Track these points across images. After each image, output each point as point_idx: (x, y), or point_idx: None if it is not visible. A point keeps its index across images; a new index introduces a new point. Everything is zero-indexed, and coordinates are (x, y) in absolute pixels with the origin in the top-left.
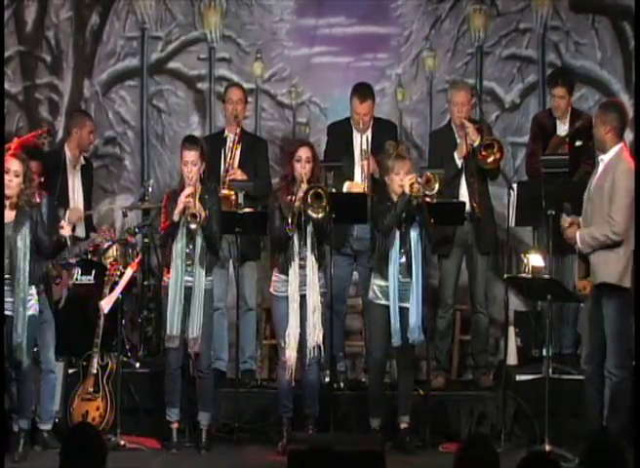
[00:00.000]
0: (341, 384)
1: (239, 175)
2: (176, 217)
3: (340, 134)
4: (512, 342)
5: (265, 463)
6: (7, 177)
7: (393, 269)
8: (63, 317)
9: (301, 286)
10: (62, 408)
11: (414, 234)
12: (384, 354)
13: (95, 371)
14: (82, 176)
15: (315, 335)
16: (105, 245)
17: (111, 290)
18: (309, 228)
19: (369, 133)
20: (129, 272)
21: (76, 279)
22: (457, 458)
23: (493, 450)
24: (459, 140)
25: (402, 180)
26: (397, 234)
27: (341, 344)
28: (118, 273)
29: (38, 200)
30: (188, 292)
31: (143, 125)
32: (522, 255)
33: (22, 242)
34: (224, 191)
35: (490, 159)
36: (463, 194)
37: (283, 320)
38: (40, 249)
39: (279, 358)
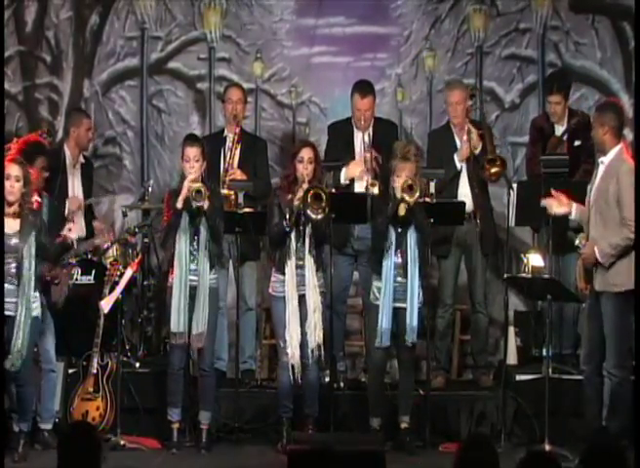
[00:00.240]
0: (341, 384)
1: (239, 174)
2: (179, 205)
3: (341, 133)
4: (512, 342)
5: (265, 463)
6: (8, 183)
7: (387, 269)
8: (63, 317)
9: (300, 286)
10: (63, 407)
11: (410, 235)
12: (384, 354)
13: (95, 371)
14: (82, 176)
15: (316, 335)
16: (105, 246)
17: (111, 290)
18: (308, 229)
19: (369, 132)
20: (129, 272)
21: (76, 279)
22: (457, 458)
23: (493, 450)
24: (458, 141)
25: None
26: (393, 235)
27: (342, 344)
28: (118, 273)
29: (36, 205)
30: (193, 292)
31: (143, 125)
32: (522, 255)
33: (28, 251)
34: (224, 191)
35: (492, 170)
36: (462, 194)
37: (282, 320)
38: (43, 253)
39: (279, 358)
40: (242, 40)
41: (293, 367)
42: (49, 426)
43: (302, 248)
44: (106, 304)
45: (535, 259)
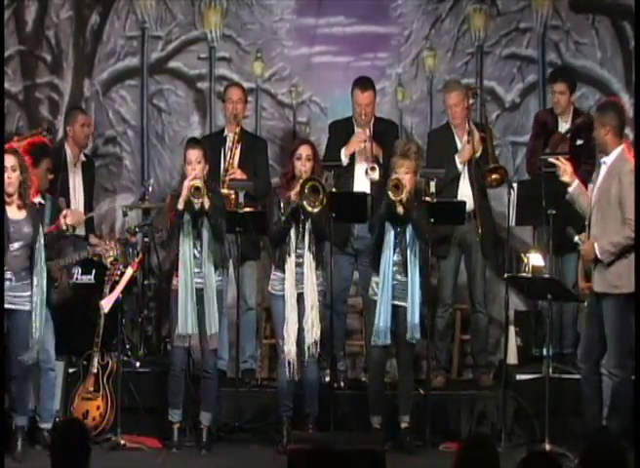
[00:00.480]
0: (342, 384)
1: (239, 174)
2: (180, 206)
3: (342, 132)
4: (512, 342)
5: (266, 462)
6: (5, 175)
7: (384, 266)
8: (64, 316)
9: (299, 284)
10: (63, 407)
11: (409, 234)
12: (383, 353)
13: (95, 371)
14: (83, 174)
15: (313, 333)
16: (107, 255)
17: (111, 289)
18: (308, 225)
19: (370, 127)
20: (129, 272)
21: (76, 279)
22: (457, 458)
23: (493, 450)
24: (458, 141)
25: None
26: (392, 233)
27: (342, 344)
28: (118, 273)
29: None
30: (199, 294)
31: (144, 124)
32: (522, 255)
33: (39, 242)
34: (224, 191)
35: (493, 177)
36: (462, 194)
37: (281, 318)
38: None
39: (279, 357)
40: (242, 40)
41: (290, 363)
42: (49, 426)
43: (302, 245)
44: (107, 304)
45: (535, 259)
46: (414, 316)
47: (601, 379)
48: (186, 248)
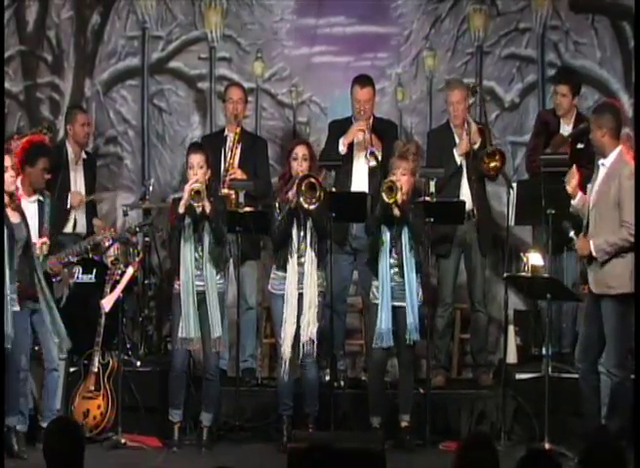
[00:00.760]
0: (342, 383)
1: (239, 174)
2: (181, 209)
3: (341, 131)
4: (512, 341)
5: (266, 461)
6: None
7: (382, 269)
8: (65, 316)
9: (300, 284)
10: (64, 406)
11: (405, 235)
12: (384, 353)
13: (96, 370)
14: (84, 172)
15: (309, 331)
16: (106, 243)
17: (112, 288)
18: (309, 224)
19: (369, 124)
20: (130, 271)
21: (77, 278)
22: (457, 457)
23: (493, 449)
24: (457, 141)
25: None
26: (388, 235)
27: (342, 343)
28: (119, 272)
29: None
30: (201, 298)
31: (144, 124)
32: (522, 254)
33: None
34: (225, 190)
35: (491, 165)
36: (463, 194)
37: (280, 318)
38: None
39: (279, 356)
40: (243, 40)
41: (285, 363)
42: None
43: (304, 244)
44: (107, 303)
45: (534, 258)
46: (412, 317)
47: (599, 378)
48: (187, 251)
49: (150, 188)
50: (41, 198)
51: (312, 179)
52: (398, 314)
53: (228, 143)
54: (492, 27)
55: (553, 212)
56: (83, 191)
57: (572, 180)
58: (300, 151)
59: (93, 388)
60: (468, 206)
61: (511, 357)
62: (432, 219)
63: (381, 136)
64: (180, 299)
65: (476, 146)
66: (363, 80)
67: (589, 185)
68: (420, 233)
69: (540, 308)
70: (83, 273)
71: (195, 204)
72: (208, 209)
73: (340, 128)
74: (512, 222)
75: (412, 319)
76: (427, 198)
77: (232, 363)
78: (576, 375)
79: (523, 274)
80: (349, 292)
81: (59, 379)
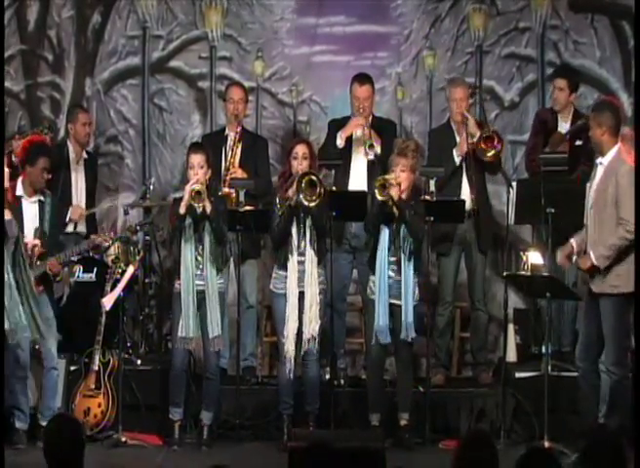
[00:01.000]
0: (342, 381)
1: (240, 173)
2: (182, 210)
3: (341, 129)
4: (512, 340)
5: (266, 460)
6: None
7: (379, 266)
8: (65, 314)
9: (300, 282)
10: (64, 404)
11: (403, 233)
12: (382, 350)
13: (96, 368)
14: (85, 172)
15: (311, 328)
16: (105, 244)
17: (113, 287)
18: (308, 222)
19: (369, 122)
20: (130, 270)
21: (78, 277)
22: (456, 455)
23: (492, 447)
24: (458, 139)
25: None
26: (387, 232)
27: (342, 342)
28: (120, 271)
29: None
30: (201, 297)
31: (145, 123)
32: (521, 253)
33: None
34: (225, 189)
35: (490, 153)
36: (465, 194)
37: (282, 317)
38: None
39: (280, 355)
40: (243, 39)
41: (288, 362)
42: None
43: (304, 242)
44: (108, 302)
45: (534, 257)
46: (407, 315)
47: (599, 377)
48: (188, 251)
49: (151, 187)
50: (42, 198)
51: (312, 176)
52: (395, 312)
53: (229, 143)
54: (491, 27)
55: (553, 210)
56: (83, 192)
57: (564, 250)
58: (301, 150)
59: (93, 386)
60: (468, 205)
61: (511, 355)
62: (432, 218)
63: (381, 135)
64: (181, 299)
65: (475, 139)
66: (362, 78)
67: (588, 184)
68: (418, 231)
69: (540, 307)
70: (84, 272)
71: (196, 204)
72: (208, 209)
73: (339, 127)
74: (512, 221)
75: (406, 317)
76: (427, 197)
77: (233, 361)
78: (575, 374)
79: (523, 273)
80: (349, 290)
81: (58, 378)
